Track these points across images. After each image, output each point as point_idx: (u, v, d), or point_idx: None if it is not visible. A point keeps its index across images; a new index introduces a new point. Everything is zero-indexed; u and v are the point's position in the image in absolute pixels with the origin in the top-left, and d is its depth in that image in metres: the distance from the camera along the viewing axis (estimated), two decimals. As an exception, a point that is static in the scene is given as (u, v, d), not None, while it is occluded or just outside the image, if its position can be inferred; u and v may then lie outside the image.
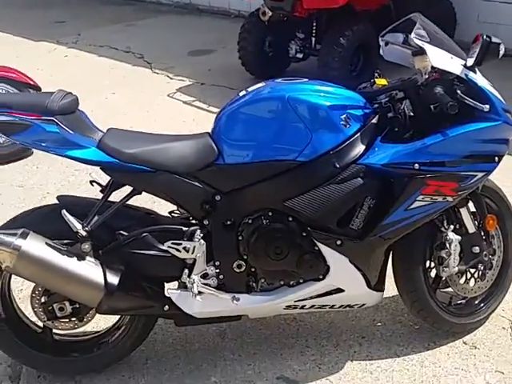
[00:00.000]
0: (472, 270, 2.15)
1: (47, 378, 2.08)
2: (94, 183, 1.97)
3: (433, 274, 2.15)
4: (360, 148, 1.87)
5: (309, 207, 1.86)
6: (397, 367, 2.10)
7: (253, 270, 1.96)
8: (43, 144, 1.79)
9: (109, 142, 1.84)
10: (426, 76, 1.87)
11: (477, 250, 2.08)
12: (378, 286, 2.05)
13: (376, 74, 2.05)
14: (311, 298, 2.00)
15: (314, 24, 4.71)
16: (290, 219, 1.89)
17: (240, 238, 1.92)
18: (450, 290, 2.21)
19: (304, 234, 1.91)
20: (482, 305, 2.22)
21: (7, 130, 1.78)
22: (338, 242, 1.90)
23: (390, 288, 2.22)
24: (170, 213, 2.07)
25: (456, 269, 2.06)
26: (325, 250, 1.91)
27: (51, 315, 1.94)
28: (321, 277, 1.96)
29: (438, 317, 2.13)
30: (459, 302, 2.24)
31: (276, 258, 1.91)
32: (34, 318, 2.05)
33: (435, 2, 4.90)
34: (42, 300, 1.94)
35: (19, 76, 3.64)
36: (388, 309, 2.37)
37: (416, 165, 1.84)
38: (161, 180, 1.85)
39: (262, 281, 1.99)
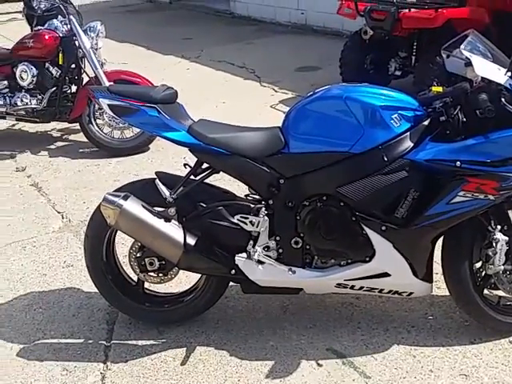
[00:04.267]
0: (521, 273, 2.25)
1: (136, 325, 2.50)
2: (186, 166, 2.39)
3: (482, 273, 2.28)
4: (408, 145, 2.10)
5: (358, 194, 2.12)
6: (439, 355, 2.25)
7: (308, 247, 2.25)
8: (146, 125, 2.25)
9: (196, 128, 2.25)
10: (475, 84, 2.06)
11: (524, 251, 2.19)
12: (426, 277, 2.23)
13: (434, 83, 2.26)
14: (359, 278, 2.23)
15: (415, 43, 4.88)
16: (342, 204, 2.16)
17: (298, 217, 2.22)
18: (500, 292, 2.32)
19: (353, 219, 2.17)
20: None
21: (120, 112, 2.27)
22: (383, 228, 2.13)
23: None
24: (246, 195, 2.43)
25: (502, 267, 2.18)
26: (371, 234, 2.15)
27: (143, 268, 2.37)
28: (367, 259, 2.20)
29: (483, 313, 2.25)
30: (508, 303, 2.34)
31: (327, 237, 2.19)
32: (130, 272, 2.50)
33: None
34: (137, 255, 2.37)
35: (143, 81, 4.25)
36: (442, 305, 2.52)
37: (458, 162, 2.03)
38: (235, 162, 2.22)
39: (316, 258, 2.27)
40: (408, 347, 2.29)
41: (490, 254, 2.18)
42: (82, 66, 4.45)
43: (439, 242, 2.25)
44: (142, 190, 2.32)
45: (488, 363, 2.19)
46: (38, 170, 4.19)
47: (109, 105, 2.27)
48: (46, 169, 4.21)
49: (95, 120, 4.40)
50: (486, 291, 2.32)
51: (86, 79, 4.48)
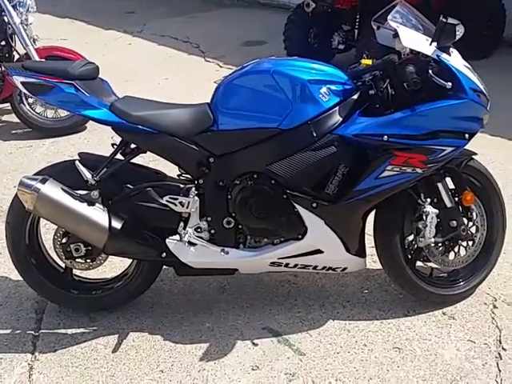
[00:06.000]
0: (451, 244, 2.27)
1: (66, 313, 2.40)
2: (114, 145, 2.28)
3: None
4: (337, 119, 2.06)
5: (288, 171, 2.07)
6: (373, 328, 2.26)
7: (240, 226, 2.19)
8: (63, 103, 2.13)
9: (119, 105, 2.14)
10: (404, 56, 2.03)
11: (454, 224, 2.21)
12: (359, 252, 2.22)
13: (364, 55, 2.22)
14: (293, 256, 2.20)
15: (358, 16, 4.84)
16: (273, 182, 2.11)
17: (229, 197, 2.16)
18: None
19: (284, 196, 2.12)
20: (461, 279, 2.33)
21: (35, 90, 2.13)
22: (314, 205, 2.10)
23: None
24: (179, 175, 2.34)
25: (432, 240, 2.19)
26: (302, 211, 2.12)
27: (69, 255, 2.26)
28: (300, 236, 2.16)
29: (415, 285, 2.27)
30: (441, 274, 2.37)
31: (259, 216, 2.14)
32: (57, 259, 2.39)
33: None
34: (62, 241, 2.26)
35: (77, 57, 4.04)
36: (377, 279, 2.53)
37: (385, 136, 2.01)
38: (162, 141, 2.13)
39: (249, 237, 2.22)
40: (343, 322, 2.29)
41: (421, 226, 2.18)
42: (12, 44, 4.21)
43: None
44: (63, 173, 2.20)
45: (421, 335, 2.21)
46: (-34, 153, 3.98)
47: (23, 82, 2.13)
48: (-25, 152, 4.00)
49: (27, 99, 4.17)
50: (419, 263, 2.33)
51: (17, 57, 4.24)
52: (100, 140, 4.06)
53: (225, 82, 2.18)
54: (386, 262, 2.26)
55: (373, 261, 2.49)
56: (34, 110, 4.18)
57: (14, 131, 4.28)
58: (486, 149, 3.66)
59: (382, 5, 4.85)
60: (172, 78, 5.31)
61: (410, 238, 2.27)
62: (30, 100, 4.17)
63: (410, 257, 2.27)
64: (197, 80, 5.19)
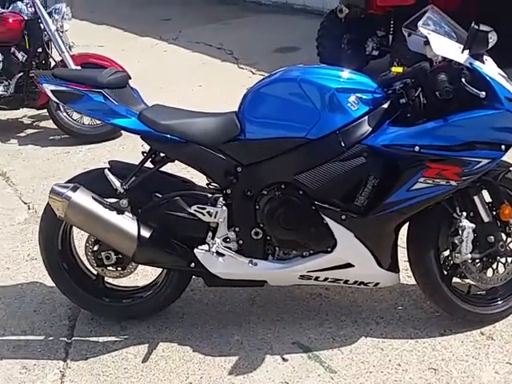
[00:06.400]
0: (489, 261, 2.18)
1: (98, 321, 2.42)
2: (143, 153, 2.28)
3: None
4: (366, 129, 2.01)
5: (316, 182, 2.03)
6: (408, 347, 2.18)
7: (268, 238, 2.16)
8: (93, 112, 2.15)
9: (148, 114, 2.14)
10: (435, 64, 1.97)
11: (492, 239, 2.12)
12: (391, 267, 2.16)
13: (395, 63, 2.16)
14: (323, 270, 2.15)
15: (392, 22, 4.76)
16: (300, 193, 2.07)
17: (257, 207, 2.13)
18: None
19: (312, 208, 2.08)
20: (500, 297, 2.24)
21: (65, 99, 2.16)
22: (343, 217, 2.05)
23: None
24: (207, 185, 2.32)
25: (469, 256, 2.11)
26: (331, 223, 2.07)
27: (100, 262, 2.28)
28: (329, 249, 2.11)
29: (451, 302, 2.19)
30: (479, 292, 2.28)
31: (287, 227, 2.10)
32: (89, 267, 2.41)
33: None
34: (94, 248, 2.28)
35: (112, 64, 4.10)
36: (412, 295, 2.45)
37: (416, 147, 1.95)
38: (190, 150, 2.12)
39: (278, 249, 2.18)
40: (376, 340, 2.23)
41: (457, 242, 2.10)
42: (48, 51, 4.31)
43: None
44: (94, 181, 2.22)
45: (458, 356, 2.13)
46: (6, 158, 4.08)
47: (52, 90, 2.16)
48: (14, 157, 4.10)
49: (64, 106, 4.26)
50: (456, 280, 2.26)
51: (53, 64, 4.34)
52: (134, 146, 4.09)
53: (252, 90, 2.16)
54: (420, 277, 2.19)
55: (408, 276, 2.42)
56: (70, 117, 4.27)
57: (51, 137, 4.38)
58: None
59: (416, 9, 4.77)
60: (205, 84, 5.34)
61: (446, 253, 2.19)
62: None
63: (445, 273, 2.19)
64: (230, 87, 5.20)
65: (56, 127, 4.32)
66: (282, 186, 2.09)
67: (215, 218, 2.13)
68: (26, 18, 4.24)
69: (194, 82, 5.39)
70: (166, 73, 5.65)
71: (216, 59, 6.13)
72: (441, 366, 2.09)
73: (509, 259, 2.21)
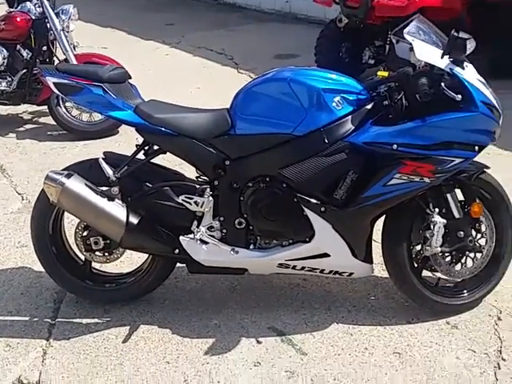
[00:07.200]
0: (458, 255, 2.28)
1: (82, 305, 2.52)
2: (137, 146, 2.39)
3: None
4: (349, 127, 2.12)
5: (299, 176, 2.14)
6: (376, 333, 2.29)
7: (251, 227, 2.27)
8: (91, 104, 2.26)
9: (144, 108, 2.27)
10: (418, 69, 2.08)
11: (461, 234, 2.23)
12: (365, 258, 2.26)
13: (381, 67, 2.28)
14: (300, 259, 2.26)
15: (389, 32, 4.88)
16: (284, 185, 2.18)
17: (242, 198, 2.24)
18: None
19: (294, 200, 2.19)
20: (466, 289, 2.34)
21: (66, 91, 2.28)
22: (323, 209, 2.16)
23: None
24: (197, 177, 2.43)
25: (438, 249, 2.21)
26: (311, 215, 2.18)
27: (88, 247, 2.39)
28: (307, 239, 2.22)
29: (420, 293, 2.29)
30: (447, 284, 2.38)
31: (269, 218, 2.21)
32: (78, 252, 2.50)
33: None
34: (83, 234, 2.39)
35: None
36: (385, 286, 2.55)
37: (394, 145, 2.06)
38: (182, 143, 2.24)
39: (259, 238, 2.29)
40: (346, 326, 2.33)
41: (428, 236, 2.20)
42: (53, 49, 4.43)
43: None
44: (88, 170, 2.33)
45: (422, 342, 2.22)
46: (4, 151, 4.18)
47: (55, 83, 2.28)
48: (12, 151, 4.20)
49: (64, 102, 4.38)
50: (426, 273, 2.35)
51: (56, 62, 4.45)
52: (130, 144, 4.17)
53: (244, 88, 2.28)
54: (392, 269, 2.29)
55: (382, 269, 2.52)
56: (69, 113, 4.38)
57: (49, 132, 4.49)
58: (509, 166, 3.66)
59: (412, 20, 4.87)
60: (204, 87, 5.45)
61: (418, 247, 2.29)
62: (67, 104, 4.38)
63: (416, 265, 2.29)
64: (228, 90, 5.20)
65: (54, 123, 4.43)
66: (267, 179, 2.20)
67: (201, 207, 2.24)
68: (33, 17, 4.36)
69: (193, 84, 5.50)
70: (166, 75, 5.78)
71: (217, 64, 6.25)
72: (405, 351, 2.18)
73: (477, 254, 2.31)
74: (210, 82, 5.60)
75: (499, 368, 2.08)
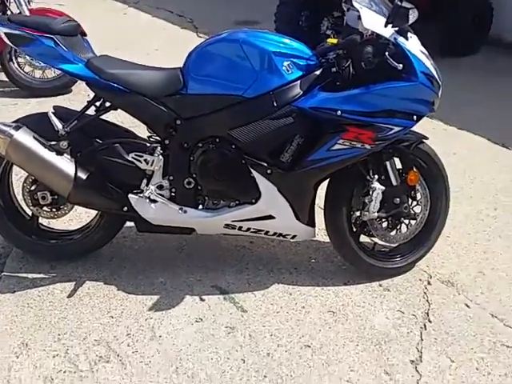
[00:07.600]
0: (394, 221, 2.40)
1: (29, 260, 2.53)
2: (89, 102, 2.37)
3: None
4: (297, 92, 2.17)
5: (248, 137, 2.19)
6: (313, 293, 2.40)
7: (200, 187, 2.31)
8: (42, 56, 2.24)
9: (95, 62, 2.25)
10: (365, 37, 2.14)
11: (397, 201, 2.34)
12: (308, 221, 2.35)
13: (331, 35, 2.33)
14: (246, 220, 2.33)
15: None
16: (233, 147, 2.23)
17: (192, 158, 2.27)
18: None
19: (242, 161, 2.24)
20: (399, 254, 2.47)
21: (18, 42, 2.25)
22: (269, 171, 2.23)
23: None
24: (149, 137, 2.44)
25: (376, 214, 2.32)
26: (257, 177, 2.24)
27: (35, 202, 2.39)
28: (253, 201, 2.29)
29: (357, 256, 2.41)
30: (383, 249, 2.51)
31: (218, 178, 2.26)
32: (25, 207, 2.50)
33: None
34: (31, 188, 2.38)
35: (68, 20, 4.13)
36: (327, 250, 2.66)
37: (339, 111, 2.13)
38: (133, 100, 2.24)
39: (207, 199, 2.34)
40: (287, 286, 2.44)
41: (367, 201, 2.31)
42: (7, 2, 4.28)
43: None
44: (37, 123, 2.31)
45: (356, 303, 2.35)
46: (-49, 107, 4.07)
47: (6, 33, 2.25)
48: (-40, 107, 4.09)
49: (16, 58, 4.27)
50: (364, 238, 2.47)
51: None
52: (83, 103, 4.08)
53: (197, 48, 2.28)
54: (331, 232, 2.40)
55: (324, 234, 2.62)
56: (22, 70, 4.27)
57: (1, 89, 4.37)
58: (451, 140, 3.82)
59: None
60: (162, 49, 5.39)
61: (358, 213, 2.39)
62: (20, 59, 4.26)
63: (355, 230, 2.40)
64: (186, 53, 5.25)
65: (7, 80, 4.32)
66: (217, 140, 2.24)
67: (151, 166, 2.27)
68: (-16, -30, 4.19)
69: (151, 46, 5.44)
70: (123, 35, 5.68)
71: (176, 26, 6.18)
72: (339, 310, 2.31)
73: (412, 221, 2.44)
74: (169, 44, 5.53)
75: (425, 329, 2.22)
